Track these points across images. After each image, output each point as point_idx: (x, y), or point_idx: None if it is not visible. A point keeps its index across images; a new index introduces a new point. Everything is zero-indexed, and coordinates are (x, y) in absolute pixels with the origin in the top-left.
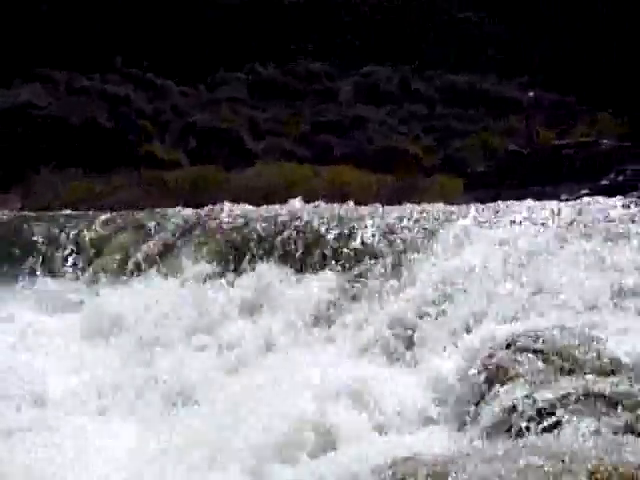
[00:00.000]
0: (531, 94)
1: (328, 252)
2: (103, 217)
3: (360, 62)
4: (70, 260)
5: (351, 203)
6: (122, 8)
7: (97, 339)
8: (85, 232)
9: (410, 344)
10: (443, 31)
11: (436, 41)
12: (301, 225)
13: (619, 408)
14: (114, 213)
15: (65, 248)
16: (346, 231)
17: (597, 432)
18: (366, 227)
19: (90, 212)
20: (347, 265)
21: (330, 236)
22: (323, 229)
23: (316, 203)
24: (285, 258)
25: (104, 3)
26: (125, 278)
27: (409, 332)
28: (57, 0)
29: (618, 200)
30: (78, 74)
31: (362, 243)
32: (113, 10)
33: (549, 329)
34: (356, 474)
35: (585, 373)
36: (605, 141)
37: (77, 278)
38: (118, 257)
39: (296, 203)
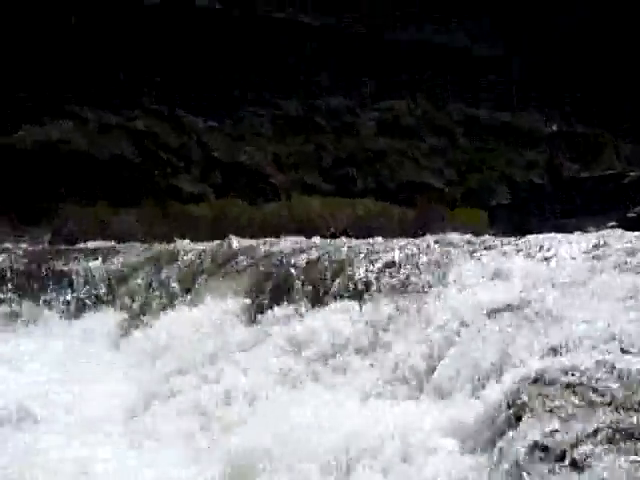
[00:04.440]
0: (554, 127)
1: (345, 287)
2: (132, 250)
3: (381, 96)
4: (99, 292)
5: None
6: (150, 47)
7: (133, 368)
8: (113, 265)
9: (434, 379)
10: (462, 66)
11: (456, 75)
12: (319, 259)
13: None
14: (142, 246)
15: (94, 281)
16: (367, 265)
17: (629, 468)
18: (388, 260)
19: (118, 245)
20: (365, 301)
21: (348, 271)
22: (341, 263)
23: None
24: (299, 293)
25: (132, 43)
26: (154, 310)
27: (433, 367)
28: (87, 40)
29: None
30: (107, 111)
31: (381, 278)
32: (141, 50)
33: (578, 363)
34: None
35: (616, 407)
36: (632, 172)
37: (107, 310)
38: (147, 289)
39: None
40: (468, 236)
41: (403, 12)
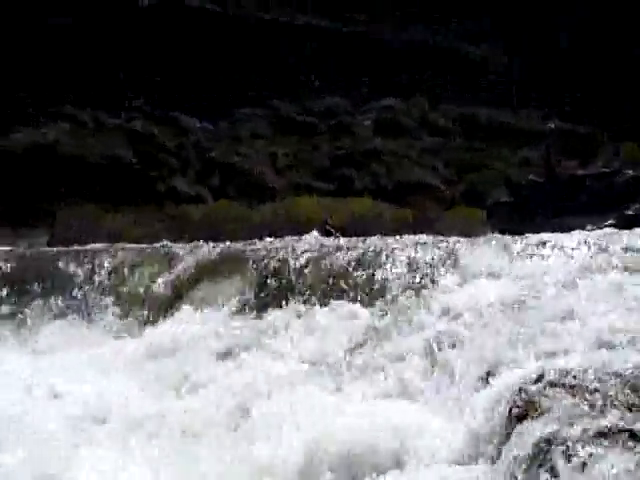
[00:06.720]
0: (552, 125)
1: (348, 287)
2: (129, 251)
3: (378, 96)
4: (97, 295)
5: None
6: (145, 48)
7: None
8: (111, 266)
9: (432, 380)
10: (460, 65)
11: (453, 74)
12: (319, 259)
13: None
14: (140, 246)
15: (92, 282)
16: (366, 265)
17: (630, 469)
18: (387, 260)
19: (115, 246)
20: (367, 300)
21: (350, 271)
22: (342, 263)
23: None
24: (302, 293)
25: (128, 44)
26: (153, 312)
27: (430, 368)
28: (83, 42)
29: None
30: (103, 113)
31: (382, 277)
32: (137, 50)
33: (579, 364)
34: None
35: (617, 409)
36: (629, 171)
37: (106, 313)
38: (144, 291)
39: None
40: (464, 236)
41: (403, 12)
